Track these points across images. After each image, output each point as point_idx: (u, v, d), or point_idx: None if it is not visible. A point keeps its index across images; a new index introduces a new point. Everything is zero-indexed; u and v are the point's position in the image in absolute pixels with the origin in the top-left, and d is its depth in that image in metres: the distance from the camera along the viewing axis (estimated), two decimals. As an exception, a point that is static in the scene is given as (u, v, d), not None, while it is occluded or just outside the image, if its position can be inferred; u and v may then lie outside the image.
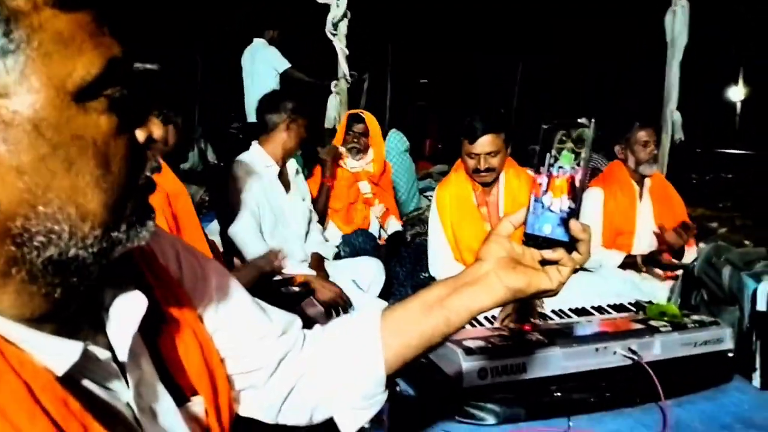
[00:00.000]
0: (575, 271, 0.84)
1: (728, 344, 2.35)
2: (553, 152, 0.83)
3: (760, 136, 11.16)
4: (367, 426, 1.68)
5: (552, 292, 0.84)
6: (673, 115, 4.81)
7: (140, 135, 0.66)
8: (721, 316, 2.53)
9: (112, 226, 0.63)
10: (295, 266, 2.65)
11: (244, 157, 2.72)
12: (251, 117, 4.20)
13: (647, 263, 2.93)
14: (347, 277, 2.78)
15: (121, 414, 0.70)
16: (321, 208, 3.23)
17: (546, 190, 0.83)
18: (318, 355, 0.95)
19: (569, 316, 2.41)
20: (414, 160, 5.43)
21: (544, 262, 0.84)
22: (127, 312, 0.71)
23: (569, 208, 0.81)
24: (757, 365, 2.34)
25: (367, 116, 3.54)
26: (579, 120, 0.82)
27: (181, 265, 0.87)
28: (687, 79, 4.81)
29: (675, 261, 2.90)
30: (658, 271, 2.97)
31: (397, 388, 1.75)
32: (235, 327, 0.91)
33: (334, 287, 2.60)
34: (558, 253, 0.82)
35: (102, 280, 0.69)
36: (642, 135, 3.04)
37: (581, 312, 2.46)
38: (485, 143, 2.59)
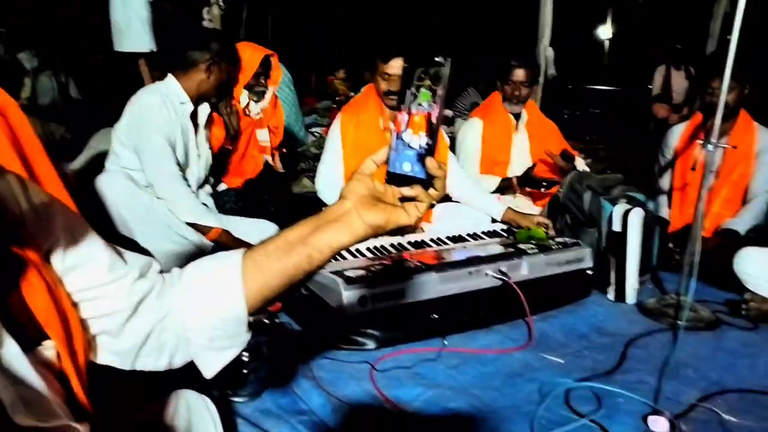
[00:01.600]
0: (432, 206, 0.87)
1: (588, 263, 2.58)
2: (413, 90, 0.83)
3: (625, 73, 11.98)
4: (246, 359, 1.68)
5: (411, 228, 0.86)
6: (546, 51, 5.01)
7: None
8: (582, 237, 2.75)
9: None
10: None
11: (159, 86, 2.50)
12: (120, 46, 3.81)
13: (522, 184, 3.11)
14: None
15: None
16: (216, 171, 2.97)
17: (406, 128, 0.83)
18: (177, 297, 0.92)
19: (446, 243, 2.51)
20: (298, 95, 5.30)
21: (403, 199, 0.86)
22: None
23: (427, 144, 0.82)
24: (612, 280, 2.59)
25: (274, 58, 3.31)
26: (436, 59, 0.81)
27: (20, 203, 0.79)
28: (559, 18, 5.01)
29: (546, 176, 3.08)
30: (527, 199, 3.16)
31: (277, 320, 1.76)
32: (87, 269, 0.85)
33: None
34: (415, 190, 0.83)
35: None
36: (510, 74, 3.14)
37: (457, 239, 2.57)
38: (399, 65, 2.58)
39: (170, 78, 2.57)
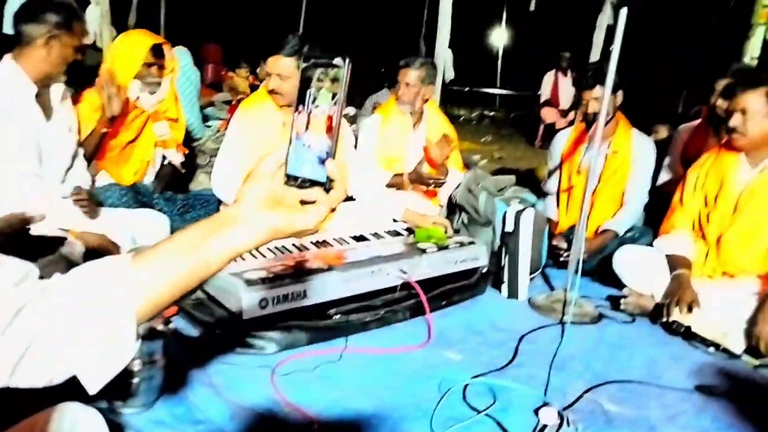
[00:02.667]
0: (333, 209, 0.86)
1: (483, 261, 2.68)
2: (312, 91, 0.82)
3: (517, 77, 12.60)
4: (138, 368, 1.59)
5: (311, 231, 0.84)
6: (444, 53, 5.15)
7: None
8: (478, 236, 2.86)
9: None
10: (54, 212, 2.29)
11: None
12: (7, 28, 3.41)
13: (413, 181, 3.18)
14: (126, 234, 2.48)
15: None
16: (90, 154, 2.72)
17: (306, 129, 0.82)
18: (58, 307, 0.84)
19: (348, 243, 2.51)
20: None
21: (304, 201, 0.84)
22: None
23: (327, 146, 0.81)
24: (505, 278, 2.70)
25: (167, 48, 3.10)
26: (334, 60, 0.80)
27: None
28: (457, 22, 5.17)
29: (434, 174, 3.16)
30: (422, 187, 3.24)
31: (171, 325, 1.67)
32: None
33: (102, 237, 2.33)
34: (316, 193, 0.82)
35: None
36: (404, 75, 3.20)
37: (360, 238, 2.58)
38: (283, 63, 2.52)
39: (6, 60, 2.31)
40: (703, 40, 7.95)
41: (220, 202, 2.82)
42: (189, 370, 1.81)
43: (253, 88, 6.30)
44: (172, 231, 2.89)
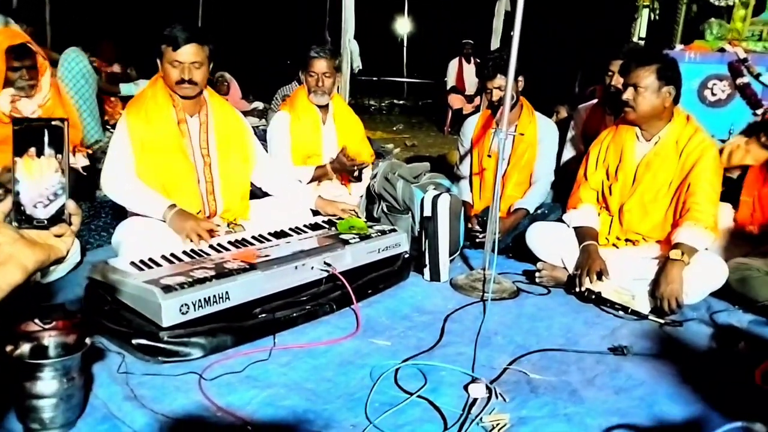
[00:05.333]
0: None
1: (405, 247, 2.72)
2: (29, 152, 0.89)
3: (423, 66, 12.80)
4: (55, 388, 1.49)
5: (64, 258, 0.96)
6: (350, 43, 5.16)
7: None
8: (398, 223, 2.90)
9: None
10: None
11: None
12: None
13: (336, 170, 3.17)
14: None
15: None
16: None
17: (31, 174, 0.89)
18: None
19: (269, 240, 2.47)
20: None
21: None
22: None
23: (59, 186, 0.90)
24: (427, 262, 2.76)
25: (34, 46, 2.86)
26: (53, 122, 0.89)
27: None
28: (361, 12, 5.19)
29: (357, 160, 3.17)
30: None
31: (87, 341, 1.58)
32: None
33: None
34: (62, 229, 0.92)
35: None
36: (313, 65, 3.17)
37: (280, 234, 2.55)
38: (190, 52, 2.42)
39: None
40: (594, 22, 8.41)
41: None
42: (110, 384, 1.72)
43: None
44: (80, 240, 2.73)
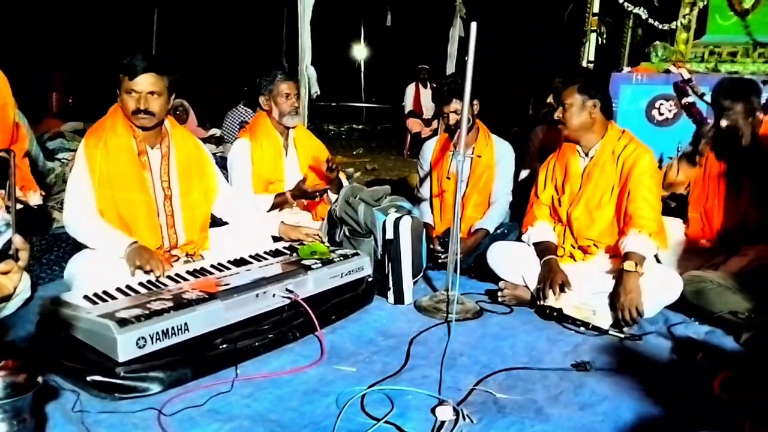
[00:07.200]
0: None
1: (368, 271, 2.71)
2: None
3: (381, 90, 12.94)
4: (15, 427, 1.42)
5: (12, 294, 0.96)
6: (308, 70, 5.16)
7: None
8: (361, 247, 2.89)
9: None
10: None
11: None
12: None
13: (296, 197, 3.16)
14: None
15: None
16: None
17: None
18: None
19: (228, 268, 2.42)
20: (39, 118, 4.68)
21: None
22: None
23: (5, 223, 0.91)
24: (390, 285, 2.75)
25: None
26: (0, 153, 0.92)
27: None
28: (318, 39, 5.21)
29: (318, 186, 3.17)
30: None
31: (39, 380, 1.51)
32: None
33: None
34: (8, 265, 0.92)
35: None
36: (284, 87, 3.18)
37: (240, 262, 2.50)
38: (147, 82, 2.37)
39: None
40: (545, 47, 8.67)
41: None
42: (65, 425, 1.65)
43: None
44: (31, 275, 2.62)
